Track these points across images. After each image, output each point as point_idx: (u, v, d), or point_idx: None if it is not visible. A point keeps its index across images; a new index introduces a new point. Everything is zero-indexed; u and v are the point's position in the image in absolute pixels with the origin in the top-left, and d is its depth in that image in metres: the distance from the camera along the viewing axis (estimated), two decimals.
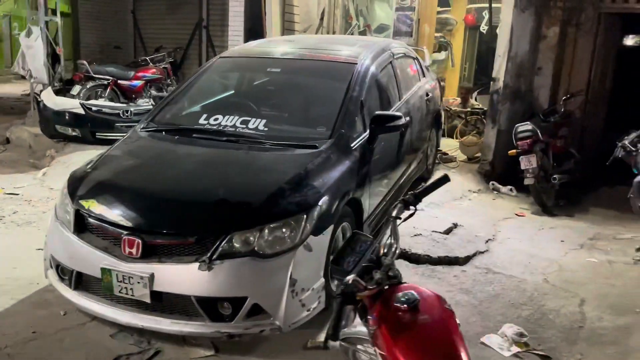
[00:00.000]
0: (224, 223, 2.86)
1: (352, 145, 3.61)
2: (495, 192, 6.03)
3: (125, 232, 2.88)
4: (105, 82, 7.57)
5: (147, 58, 8.73)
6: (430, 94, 5.57)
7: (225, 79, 4.46)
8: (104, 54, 11.69)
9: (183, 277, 2.81)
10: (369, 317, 1.81)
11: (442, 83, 11.47)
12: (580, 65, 6.63)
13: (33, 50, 6.97)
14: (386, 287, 1.84)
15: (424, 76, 5.69)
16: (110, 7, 12.10)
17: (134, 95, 7.94)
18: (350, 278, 1.75)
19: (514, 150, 5.53)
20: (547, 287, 3.73)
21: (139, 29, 12.21)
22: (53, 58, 7.79)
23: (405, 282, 1.89)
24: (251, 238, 2.85)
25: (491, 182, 6.16)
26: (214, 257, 2.78)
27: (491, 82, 6.41)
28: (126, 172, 3.32)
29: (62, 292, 3.13)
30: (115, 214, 2.98)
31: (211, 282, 2.77)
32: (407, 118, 4.63)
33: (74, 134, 6.71)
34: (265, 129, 3.62)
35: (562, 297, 3.58)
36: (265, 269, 2.83)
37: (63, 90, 7.60)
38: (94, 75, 7.50)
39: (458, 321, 1.75)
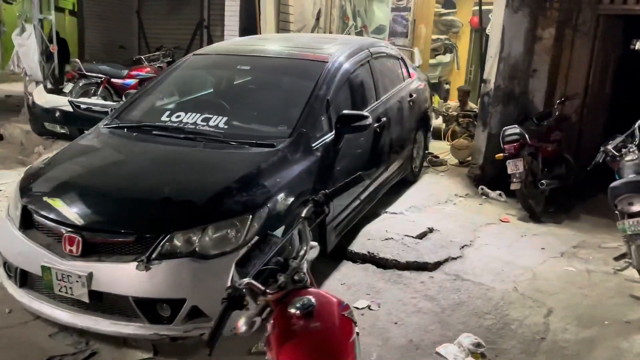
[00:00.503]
0: (165, 222, 2.78)
1: (313, 144, 3.51)
2: (484, 197, 5.85)
3: (66, 230, 2.82)
4: (99, 81, 7.58)
5: (141, 57, 8.73)
6: (415, 95, 5.43)
7: (195, 76, 4.39)
8: (108, 54, 11.77)
9: (121, 276, 2.74)
10: (269, 322, 1.71)
11: (446, 86, 11.41)
12: (578, 68, 6.42)
13: (26, 48, 7.00)
14: (291, 291, 1.74)
15: (409, 77, 5.56)
16: (115, 7, 12.20)
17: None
18: (243, 281, 1.64)
19: (501, 154, 5.37)
20: (515, 296, 3.57)
21: (143, 28, 12.31)
22: (50, 56, 7.83)
23: (311, 287, 1.78)
24: (193, 238, 2.77)
25: (480, 187, 5.99)
26: (153, 256, 2.70)
27: (482, 84, 6.25)
28: (75, 169, 3.27)
29: (8, 289, 3.08)
30: (58, 211, 2.91)
31: (149, 282, 2.69)
32: (384, 118, 4.52)
33: (62, 131, 6.70)
34: (225, 126, 3.54)
35: (529, 306, 3.42)
36: (206, 270, 2.74)
37: (57, 88, 7.62)
38: (87, 74, 7.51)
39: (357, 330, 1.64)
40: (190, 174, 3.12)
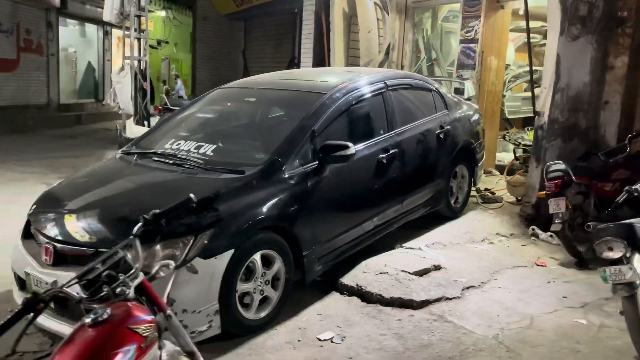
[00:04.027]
0: (116, 239, 3.03)
1: (288, 173, 3.58)
2: (534, 238, 5.39)
3: (44, 241, 3.21)
4: None
5: None
6: (449, 127, 5.22)
7: (211, 107, 4.70)
8: None
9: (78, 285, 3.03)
10: None
11: None
12: None
13: (121, 85, 8.00)
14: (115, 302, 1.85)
15: (445, 109, 5.37)
16: (224, 48, 13.37)
17: None
18: (51, 289, 1.80)
19: (543, 192, 4.94)
20: (491, 343, 3.26)
21: (247, 67, 13.29)
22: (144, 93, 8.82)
23: (131, 301, 1.87)
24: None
25: (531, 227, 5.52)
26: None
27: (535, 117, 5.81)
28: (69, 190, 3.70)
29: (13, 291, 3.56)
30: (43, 224, 3.33)
31: None
32: (394, 150, 4.44)
33: None
34: (212, 154, 3.76)
35: (497, 356, 3.10)
36: None
37: (148, 120, 8.55)
38: (172, 107, 8.32)
39: (143, 344, 1.70)
40: (155, 196, 3.37)
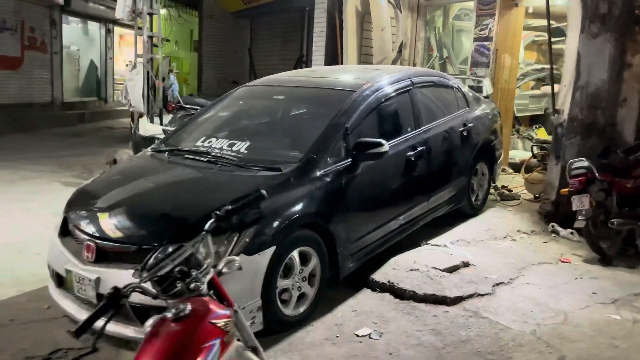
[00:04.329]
0: (160, 235, 3.05)
1: (323, 170, 3.59)
2: (554, 235, 5.43)
3: (85, 238, 3.22)
4: (194, 112, 8.34)
5: None
6: (471, 125, 5.25)
7: (237, 105, 4.71)
8: (221, 88, 12.87)
9: (122, 282, 3.03)
10: None
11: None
12: None
13: (133, 82, 7.99)
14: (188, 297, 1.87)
15: (467, 106, 5.40)
16: (230, 46, 13.36)
17: None
18: (131, 284, 1.81)
19: (566, 189, 4.98)
20: (529, 339, 3.29)
21: (253, 64, 13.28)
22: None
23: (205, 297, 1.89)
24: None
25: (551, 224, 5.56)
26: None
27: (554, 115, 5.85)
28: (106, 187, 3.69)
29: (49, 288, 3.56)
30: (83, 221, 3.33)
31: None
32: (421, 148, 4.47)
33: None
34: (245, 151, 3.78)
35: (538, 351, 3.13)
36: None
37: (160, 118, 8.54)
38: (185, 105, 8.32)
39: (225, 339, 1.72)
40: (195, 194, 3.38)
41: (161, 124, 8.34)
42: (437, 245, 4.74)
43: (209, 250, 2.00)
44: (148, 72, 8.06)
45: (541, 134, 9.81)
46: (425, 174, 4.56)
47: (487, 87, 6.53)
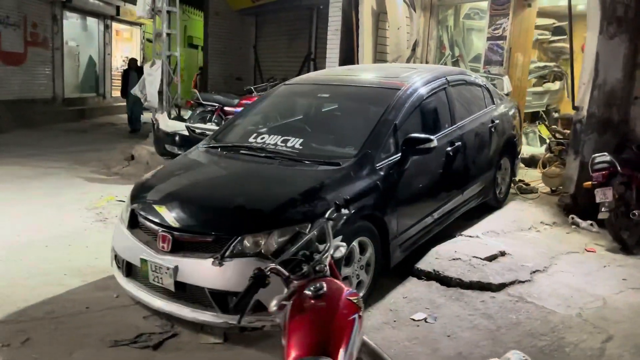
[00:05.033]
0: (237, 226, 3.23)
1: (377, 164, 3.80)
2: (574, 226, 5.70)
3: (160, 229, 3.38)
4: (213, 109, 8.50)
5: (252, 87, 9.58)
6: (498, 121, 5.50)
7: (282, 103, 4.89)
8: (226, 84, 13.00)
9: (200, 270, 3.22)
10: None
11: (555, 114, 11.04)
12: None
13: (152, 77, 8.11)
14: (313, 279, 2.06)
15: (493, 103, 5.65)
16: (235, 43, 13.46)
17: None
18: (269, 265, 2.00)
19: (589, 182, 5.25)
20: (577, 321, 3.54)
21: (258, 62, 13.41)
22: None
23: (329, 277, 2.09)
24: (260, 240, 3.18)
25: (571, 216, 5.84)
26: (226, 254, 3.15)
27: (574, 111, 6.12)
28: (171, 180, 3.86)
29: (117, 278, 3.72)
30: (155, 213, 3.49)
31: (221, 277, 3.14)
32: (458, 143, 4.69)
33: (179, 152, 7.61)
34: (301, 147, 3.96)
35: (588, 332, 3.39)
36: None
37: (179, 114, 8.66)
38: (203, 102, 8.46)
39: (360, 314, 1.91)
40: (263, 187, 3.57)
41: (178, 120, 8.46)
42: (470, 236, 4.97)
43: (329, 236, 2.20)
44: (167, 69, 8.17)
45: (542, 129, 10.13)
46: (460, 168, 4.79)
47: (507, 85, 6.78)
